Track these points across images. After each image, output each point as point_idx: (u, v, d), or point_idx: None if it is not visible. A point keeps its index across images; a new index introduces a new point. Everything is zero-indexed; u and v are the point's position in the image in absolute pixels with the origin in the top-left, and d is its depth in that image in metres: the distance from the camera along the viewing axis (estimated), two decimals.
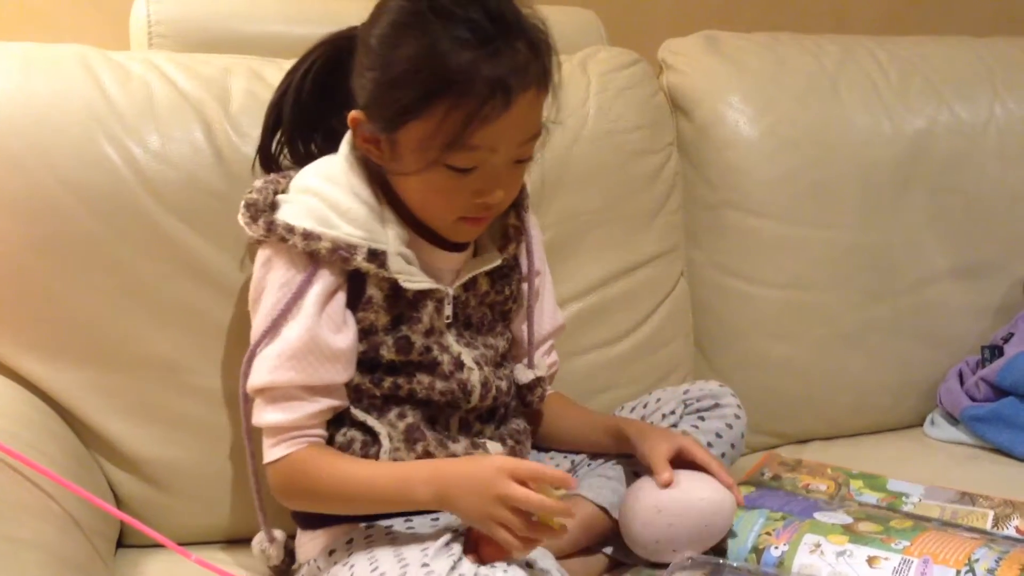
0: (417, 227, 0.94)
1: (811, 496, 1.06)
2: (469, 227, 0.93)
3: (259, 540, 1.00)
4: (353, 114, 0.90)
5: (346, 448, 0.92)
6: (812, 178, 1.31)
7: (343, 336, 0.90)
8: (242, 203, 0.93)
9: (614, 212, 1.24)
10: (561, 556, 0.97)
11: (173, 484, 1.08)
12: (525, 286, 1.03)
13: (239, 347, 1.06)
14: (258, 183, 0.94)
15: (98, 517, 0.98)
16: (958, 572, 0.87)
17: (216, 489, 1.08)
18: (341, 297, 0.91)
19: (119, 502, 1.08)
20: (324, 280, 0.89)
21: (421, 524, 0.94)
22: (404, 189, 0.91)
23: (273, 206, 0.92)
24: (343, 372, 0.91)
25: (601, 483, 1.03)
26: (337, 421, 0.94)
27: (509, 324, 1.04)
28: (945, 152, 1.36)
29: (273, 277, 0.90)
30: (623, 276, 1.25)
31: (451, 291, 0.95)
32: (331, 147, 0.96)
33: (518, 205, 1.01)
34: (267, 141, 1.01)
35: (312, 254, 0.89)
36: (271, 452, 0.90)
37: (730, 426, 1.07)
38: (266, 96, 1.07)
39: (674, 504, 0.92)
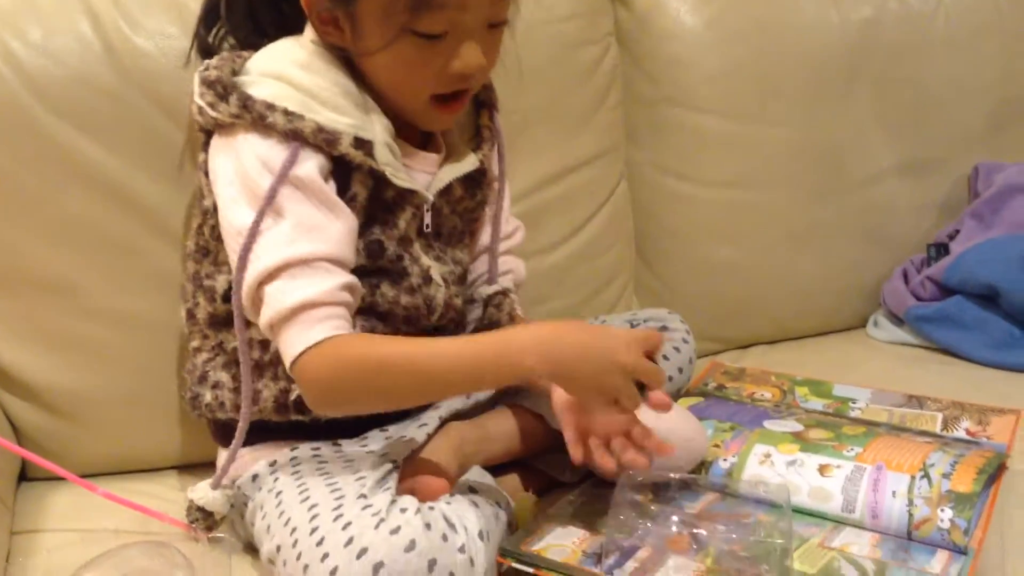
0: (395, 123, 0.85)
1: (757, 404, 1.02)
2: (446, 110, 0.84)
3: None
4: None
5: None
6: (757, 71, 1.25)
7: (348, 213, 0.81)
8: (198, 80, 0.83)
9: (549, 110, 1.17)
10: (496, 465, 0.92)
11: (77, 413, 1.01)
12: (491, 190, 0.96)
13: (140, 262, 0.99)
14: (213, 60, 0.84)
15: None
16: (912, 478, 0.85)
17: (124, 416, 1.01)
18: (331, 184, 0.81)
19: (18, 434, 1.02)
20: (313, 160, 0.79)
21: (351, 449, 0.87)
22: (373, 70, 0.83)
23: (232, 86, 0.81)
24: (353, 252, 0.81)
25: (538, 392, 0.97)
26: None
27: (474, 234, 0.97)
28: (893, 41, 1.30)
29: (253, 158, 0.79)
30: (559, 179, 1.19)
31: (431, 197, 0.87)
32: (282, 33, 0.87)
33: (489, 104, 0.94)
34: (205, 30, 0.91)
35: (294, 133, 0.79)
36: (305, 336, 0.76)
37: (677, 349, 1.03)
38: None
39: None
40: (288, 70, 0.82)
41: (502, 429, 0.93)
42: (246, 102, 0.79)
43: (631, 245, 1.27)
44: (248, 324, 0.82)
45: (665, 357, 1.02)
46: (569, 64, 1.18)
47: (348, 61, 0.84)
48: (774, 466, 0.88)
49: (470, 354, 0.76)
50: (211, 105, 0.81)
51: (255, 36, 0.89)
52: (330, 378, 0.77)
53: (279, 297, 0.77)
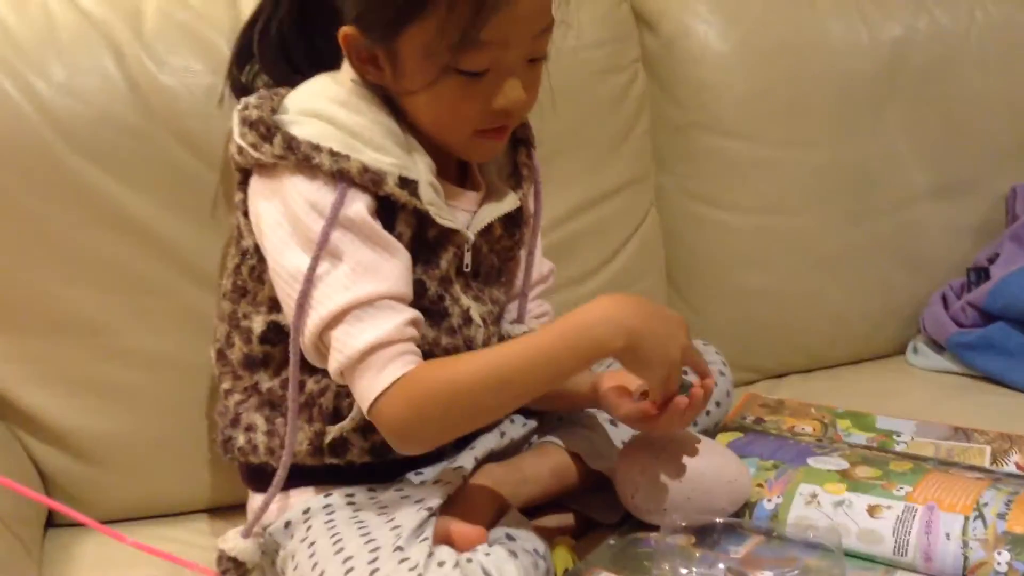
0: (435, 161, 0.83)
1: (799, 439, 0.99)
2: (489, 141, 0.83)
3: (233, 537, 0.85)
4: (344, 30, 0.79)
5: (318, 396, 0.82)
6: (786, 94, 1.23)
7: (402, 250, 0.79)
8: (238, 120, 0.81)
9: (578, 138, 1.15)
10: (532, 506, 0.90)
11: (104, 457, 0.99)
12: (527, 229, 0.94)
13: (167, 303, 0.97)
14: (252, 99, 0.82)
15: (19, 501, 0.88)
16: (966, 518, 0.82)
17: (152, 460, 1.00)
18: (378, 223, 0.79)
19: (45, 479, 1.00)
20: (359, 200, 0.77)
21: (385, 495, 0.85)
22: (414, 109, 0.81)
23: (273, 126, 0.79)
24: (411, 288, 0.80)
25: (573, 431, 0.95)
26: (311, 368, 0.81)
27: (510, 274, 0.95)
28: (924, 61, 1.28)
29: (297, 201, 0.77)
30: (590, 208, 1.17)
31: (472, 236, 0.85)
32: (318, 70, 0.85)
33: (527, 142, 0.92)
34: (238, 69, 0.90)
35: (341, 174, 0.77)
36: (380, 378, 0.75)
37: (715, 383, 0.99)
38: (183, 15, 0.97)
39: (701, 479, 0.84)
40: (329, 109, 0.80)
41: (538, 470, 0.91)
42: (291, 143, 0.77)
43: (662, 274, 1.25)
44: (302, 368, 0.80)
45: None
46: (597, 92, 1.16)
47: (388, 99, 0.82)
48: (821, 507, 0.86)
49: (544, 346, 0.75)
50: (253, 146, 0.79)
51: (289, 73, 0.87)
52: (408, 417, 0.76)
53: (347, 342, 0.76)
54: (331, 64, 0.85)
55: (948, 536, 0.81)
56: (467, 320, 0.86)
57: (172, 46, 0.97)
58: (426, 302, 0.83)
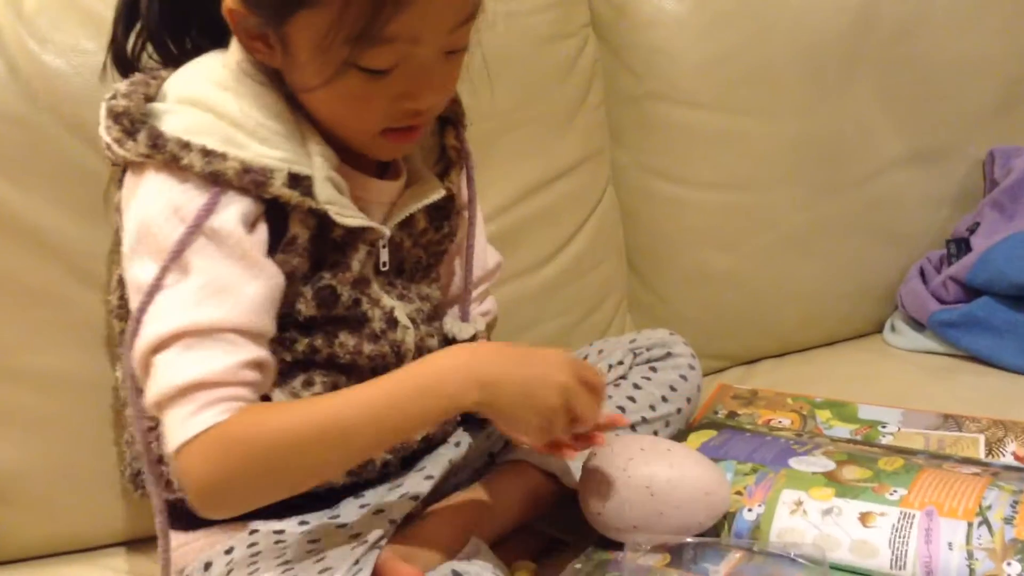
0: (338, 148, 0.73)
1: (777, 435, 0.90)
2: (397, 142, 0.73)
3: None
4: (228, 3, 0.68)
5: None
6: (748, 59, 1.13)
7: (275, 273, 0.69)
8: (104, 112, 0.71)
9: (523, 114, 1.05)
10: (502, 535, 0.81)
11: (5, 491, 0.88)
12: (461, 219, 0.85)
13: (62, 314, 0.87)
14: (121, 86, 0.72)
15: None
16: (970, 525, 0.73)
17: (58, 493, 0.89)
18: (262, 232, 0.69)
19: None
20: (237, 206, 0.67)
21: (318, 524, 0.75)
22: (310, 103, 0.71)
23: (146, 117, 0.69)
24: (271, 318, 0.69)
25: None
26: None
27: (443, 267, 0.85)
28: (894, 20, 1.19)
29: (161, 205, 0.67)
30: (540, 190, 1.07)
31: (388, 231, 0.75)
32: (211, 44, 0.75)
33: (455, 122, 0.82)
34: (122, 37, 0.77)
35: (214, 176, 0.67)
36: (190, 424, 0.63)
37: (684, 378, 0.91)
38: None
39: (674, 492, 0.75)
40: (210, 95, 0.70)
41: (510, 499, 0.82)
42: (156, 140, 0.67)
43: (622, 258, 1.16)
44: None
45: (672, 388, 0.91)
46: (544, 61, 1.06)
47: (282, 80, 0.71)
48: (807, 515, 0.77)
49: (384, 395, 0.66)
50: (118, 141, 0.69)
51: (178, 45, 0.76)
52: (210, 476, 0.63)
53: (167, 372, 0.64)
54: (227, 39, 0.73)
55: (950, 546, 0.73)
56: (391, 323, 0.76)
57: (56, 22, 0.86)
58: (340, 310, 0.73)
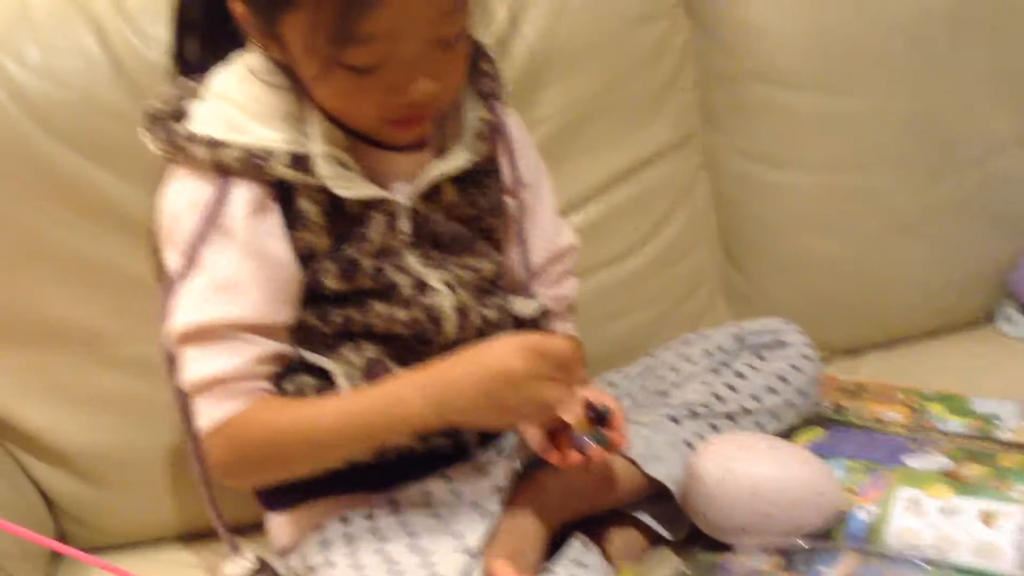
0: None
1: (887, 430, 0.87)
2: (400, 130, 0.74)
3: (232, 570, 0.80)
4: (236, 7, 0.73)
5: (298, 396, 0.75)
6: (850, 35, 1.08)
7: (287, 260, 0.73)
8: (142, 113, 0.76)
9: (615, 97, 1.03)
10: (590, 516, 0.80)
11: (112, 477, 0.93)
12: (510, 201, 0.83)
13: None
14: (164, 89, 0.78)
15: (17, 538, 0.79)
16: None
17: (162, 477, 0.93)
18: (275, 213, 0.73)
19: (51, 504, 0.93)
20: (244, 194, 0.72)
21: (413, 517, 0.75)
22: (315, 95, 0.73)
23: (179, 114, 0.75)
24: (289, 308, 0.74)
25: (630, 431, 0.83)
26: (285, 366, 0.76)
27: (496, 245, 0.84)
28: None
29: (183, 198, 0.73)
30: (629, 176, 1.05)
31: (406, 202, 0.75)
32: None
33: (489, 94, 0.81)
34: (179, 41, 0.81)
35: (219, 165, 0.72)
36: (209, 414, 0.72)
37: (797, 368, 0.87)
38: None
39: (781, 493, 0.72)
40: (229, 86, 0.75)
41: (584, 480, 0.80)
42: (169, 135, 0.73)
43: (715, 245, 1.12)
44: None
45: (782, 379, 0.86)
46: (632, 44, 1.03)
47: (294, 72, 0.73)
48: (925, 515, 0.73)
49: (356, 411, 0.71)
50: (143, 136, 0.74)
51: (227, 47, 0.78)
52: (234, 458, 0.73)
53: (192, 367, 0.72)
54: None
55: None
56: (421, 286, 0.76)
57: (158, 17, 0.86)
58: (364, 280, 0.75)
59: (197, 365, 0.71)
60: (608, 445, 0.73)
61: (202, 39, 0.80)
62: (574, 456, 0.71)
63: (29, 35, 0.86)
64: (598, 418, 0.72)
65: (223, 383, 0.71)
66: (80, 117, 0.85)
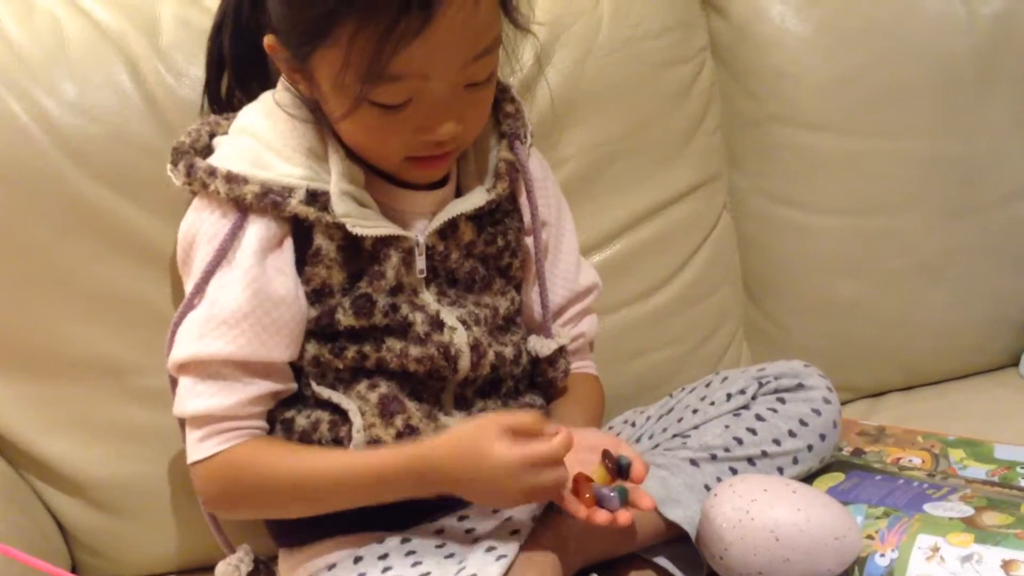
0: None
1: (908, 475, 0.86)
2: (422, 169, 0.76)
3: (224, 569, 0.83)
4: (267, 39, 0.75)
5: (312, 431, 0.77)
6: (876, 80, 1.09)
7: (290, 298, 0.75)
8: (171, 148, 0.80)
9: (640, 139, 1.04)
10: (607, 559, 0.80)
11: (131, 508, 0.93)
12: (529, 240, 0.84)
13: None
14: (193, 125, 0.81)
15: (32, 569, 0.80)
16: None
17: (180, 510, 0.92)
18: (288, 250, 0.75)
19: (66, 535, 0.93)
20: (258, 230, 0.74)
21: (422, 544, 0.75)
22: (339, 129, 0.76)
23: (205, 150, 0.79)
24: (287, 346, 0.76)
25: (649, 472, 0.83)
26: (300, 400, 0.78)
27: (514, 284, 0.85)
28: None
29: (202, 231, 0.76)
30: (654, 215, 1.06)
31: (421, 239, 0.76)
32: None
33: (511, 135, 0.82)
34: (213, 80, 0.84)
35: (237, 201, 0.74)
36: (198, 448, 0.75)
37: (817, 412, 0.86)
38: (204, 23, 0.88)
39: (799, 537, 0.72)
40: (255, 121, 0.77)
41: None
42: (190, 169, 0.76)
43: (739, 285, 1.13)
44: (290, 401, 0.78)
45: (802, 423, 0.86)
46: (661, 85, 1.04)
47: (320, 108, 0.76)
48: (945, 562, 0.73)
49: (348, 477, 0.73)
50: (169, 170, 0.77)
51: (259, 86, 0.82)
52: (215, 494, 0.77)
53: (183, 398, 0.75)
54: None
55: None
56: (436, 324, 0.77)
57: (192, 56, 0.89)
58: (378, 317, 0.76)
59: (188, 400, 0.74)
60: (627, 498, 0.72)
61: (235, 78, 0.83)
62: (601, 516, 0.70)
63: (65, 71, 0.87)
64: (618, 470, 0.71)
65: (212, 421, 0.74)
66: (112, 152, 0.87)
